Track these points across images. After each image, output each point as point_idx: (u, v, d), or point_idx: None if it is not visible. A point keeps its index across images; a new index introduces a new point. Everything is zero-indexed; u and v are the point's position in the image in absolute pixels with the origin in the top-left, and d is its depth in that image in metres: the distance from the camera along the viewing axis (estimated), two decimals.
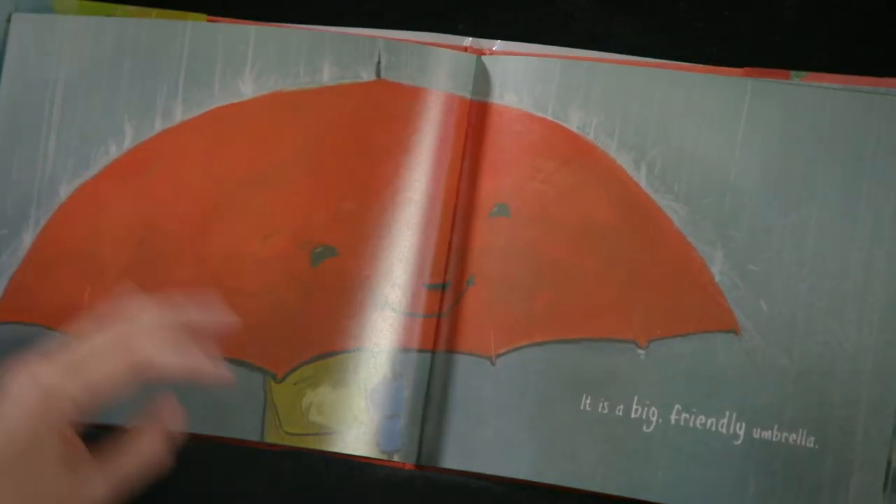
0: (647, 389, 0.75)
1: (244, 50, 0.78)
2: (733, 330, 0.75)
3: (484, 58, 0.78)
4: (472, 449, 0.76)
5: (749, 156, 0.76)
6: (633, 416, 0.75)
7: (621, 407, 0.75)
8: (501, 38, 0.80)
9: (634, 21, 0.80)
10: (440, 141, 0.77)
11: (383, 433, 0.76)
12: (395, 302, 0.76)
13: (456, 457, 0.76)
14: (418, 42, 0.78)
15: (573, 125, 0.77)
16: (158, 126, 0.78)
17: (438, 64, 0.77)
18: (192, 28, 0.79)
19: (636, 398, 0.75)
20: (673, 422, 0.75)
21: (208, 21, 0.80)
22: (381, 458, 0.76)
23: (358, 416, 0.76)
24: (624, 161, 0.77)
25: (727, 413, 0.75)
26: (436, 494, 0.76)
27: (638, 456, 0.75)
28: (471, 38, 0.80)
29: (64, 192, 0.79)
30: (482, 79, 0.78)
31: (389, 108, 0.77)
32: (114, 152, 0.79)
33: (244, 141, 0.78)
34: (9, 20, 0.80)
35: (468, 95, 0.78)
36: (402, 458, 0.76)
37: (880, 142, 0.75)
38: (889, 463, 0.74)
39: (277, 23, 0.80)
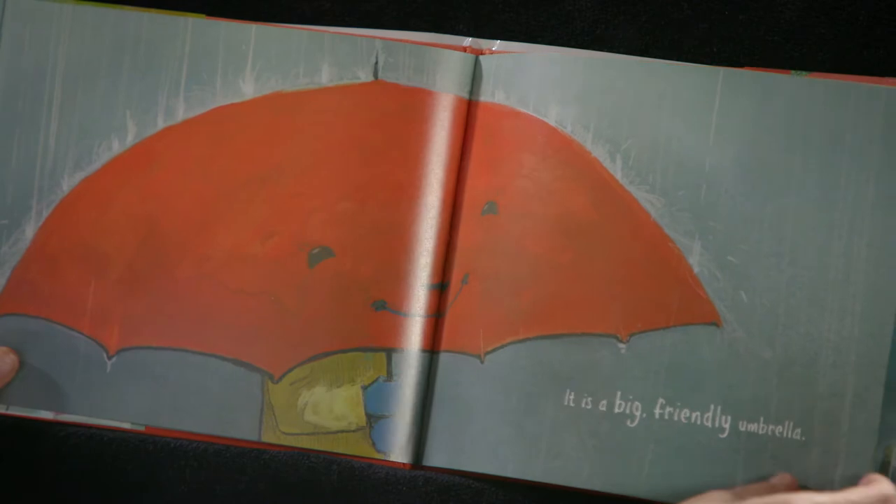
0: (630, 384, 0.73)
1: (245, 49, 0.77)
2: (714, 322, 0.73)
3: (482, 58, 0.77)
4: (463, 448, 0.74)
5: (723, 146, 0.74)
6: (616, 410, 0.73)
7: (605, 402, 0.73)
8: (501, 39, 0.78)
9: (635, 21, 0.79)
10: (438, 141, 0.76)
11: (378, 433, 0.75)
12: (393, 302, 0.75)
13: (450, 456, 0.75)
14: (417, 42, 0.77)
15: (552, 120, 0.76)
16: (161, 123, 0.78)
17: (436, 64, 0.76)
18: (193, 25, 0.78)
19: (619, 393, 0.73)
20: (657, 416, 0.73)
21: (208, 20, 0.79)
22: (376, 457, 0.75)
23: (352, 417, 0.75)
24: (599, 154, 0.75)
25: (712, 406, 0.72)
26: (436, 494, 0.75)
27: (623, 451, 0.73)
28: (470, 39, 0.78)
29: (66, 185, 0.78)
30: (481, 79, 0.77)
31: (387, 108, 0.76)
32: (116, 148, 0.78)
33: (245, 141, 0.77)
34: (4, 6, 0.79)
35: (466, 95, 0.77)
36: (398, 458, 0.75)
37: (857, 130, 0.73)
38: (888, 462, 0.72)
39: (276, 23, 0.79)
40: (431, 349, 0.76)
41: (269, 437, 0.76)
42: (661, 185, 0.74)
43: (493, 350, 0.75)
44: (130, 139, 0.78)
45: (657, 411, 0.73)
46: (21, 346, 0.77)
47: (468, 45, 0.79)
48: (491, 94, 0.77)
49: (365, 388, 0.76)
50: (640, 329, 0.74)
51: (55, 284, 0.78)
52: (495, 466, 0.74)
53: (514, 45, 0.79)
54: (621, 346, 0.74)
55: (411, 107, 0.76)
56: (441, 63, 0.77)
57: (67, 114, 0.78)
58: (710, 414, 0.73)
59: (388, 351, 0.76)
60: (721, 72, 0.74)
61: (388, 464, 0.76)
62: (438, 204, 0.76)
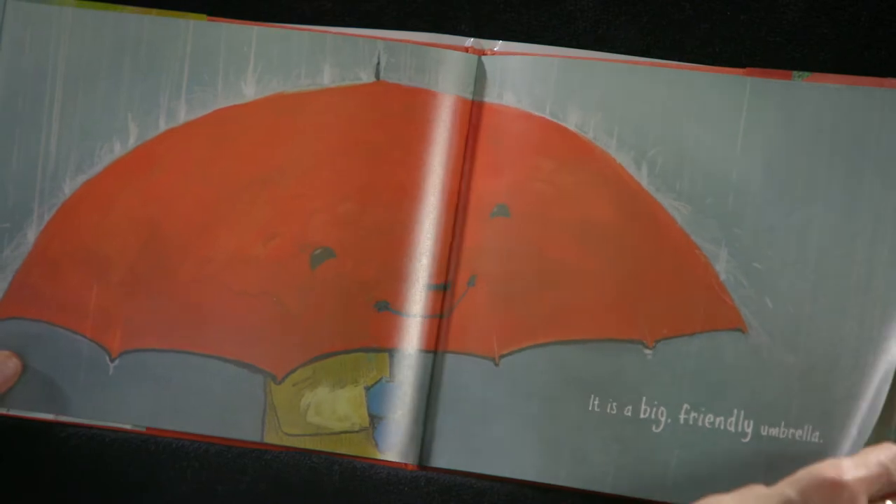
0: (656, 389, 0.73)
1: (247, 51, 0.77)
2: (740, 328, 0.73)
3: (484, 58, 0.77)
4: (476, 450, 0.74)
5: (751, 154, 0.74)
6: (642, 416, 0.73)
7: (630, 408, 0.73)
8: (503, 39, 0.78)
9: (637, 22, 0.78)
10: (441, 142, 0.76)
11: (381, 434, 0.75)
12: (396, 303, 0.75)
13: (459, 457, 0.75)
14: (419, 43, 0.77)
15: (571, 124, 0.76)
16: (163, 125, 0.77)
17: (438, 65, 0.76)
18: (195, 27, 0.77)
19: (644, 398, 0.73)
20: (682, 421, 0.73)
21: (209, 21, 0.78)
22: (378, 458, 0.75)
23: (355, 417, 0.75)
24: (624, 160, 0.75)
25: (735, 411, 0.73)
26: (437, 495, 0.75)
27: (647, 456, 0.73)
28: (472, 39, 0.78)
29: (68, 188, 0.77)
30: (483, 79, 0.77)
31: (389, 109, 0.76)
32: (118, 150, 0.77)
33: (247, 143, 0.77)
34: (4, 8, 0.78)
35: (469, 96, 0.76)
36: (400, 459, 0.75)
37: (881, 138, 0.73)
38: None
39: (277, 23, 0.79)
40: (435, 350, 0.76)
41: (271, 439, 0.76)
42: (688, 192, 0.75)
43: (510, 353, 0.75)
44: (132, 141, 0.78)
45: (682, 417, 0.73)
46: (24, 349, 0.77)
47: (470, 45, 0.78)
48: (498, 96, 0.77)
49: (368, 388, 0.76)
50: (666, 335, 0.74)
51: (57, 288, 0.77)
52: (514, 469, 0.75)
53: (515, 45, 0.78)
54: (647, 352, 0.74)
55: (413, 107, 0.76)
56: (443, 63, 0.77)
57: (68, 116, 0.78)
58: (733, 419, 0.73)
59: (391, 351, 0.76)
60: (749, 81, 0.75)
61: (390, 464, 0.76)
62: (441, 205, 0.76)
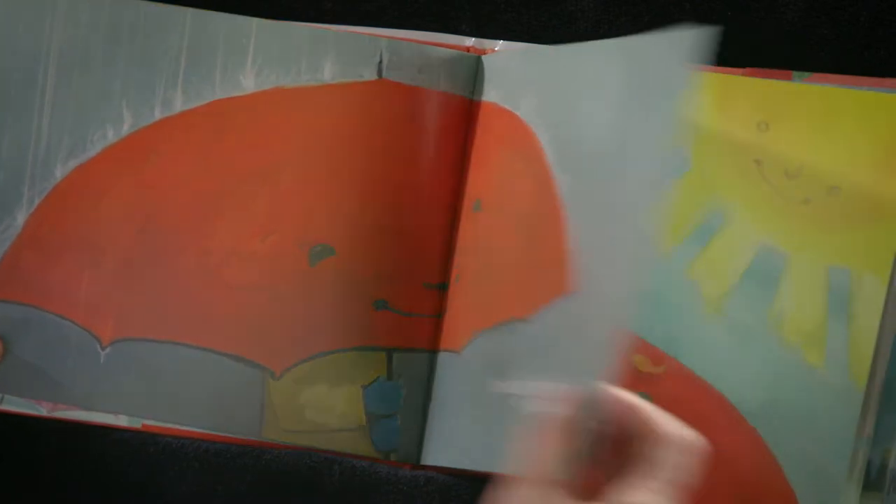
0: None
1: (245, 43, 0.76)
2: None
3: (484, 58, 0.77)
4: (461, 447, 0.74)
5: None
6: None
7: None
8: (504, 39, 0.78)
9: (637, 22, 0.79)
10: (440, 141, 0.76)
11: (378, 432, 0.75)
12: (394, 302, 0.76)
13: (449, 455, 0.75)
14: (421, 42, 0.77)
15: (521, 112, 0.75)
16: (158, 114, 0.77)
17: (439, 64, 0.76)
18: (193, 16, 0.77)
19: None
20: None
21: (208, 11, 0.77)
22: (375, 456, 0.75)
23: (352, 415, 0.76)
24: (544, 142, 0.73)
25: None
26: (436, 494, 0.75)
27: None
28: (473, 39, 0.78)
29: (59, 172, 0.77)
30: (483, 79, 0.77)
31: (390, 107, 0.76)
32: (112, 137, 0.77)
33: (245, 136, 0.76)
34: None
35: (469, 95, 0.77)
36: (397, 458, 0.75)
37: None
38: (885, 465, 0.72)
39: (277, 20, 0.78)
40: (432, 349, 0.76)
41: (269, 435, 0.76)
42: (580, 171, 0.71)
43: (468, 344, 0.75)
44: (126, 129, 0.77)
45: None
46: (10, 333, 0.77)
47: (471, 45, 0.78)
48: (488, 94, 0.77)
49: (365, 387, 0.76)
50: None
51: (47, 273, 0.77)
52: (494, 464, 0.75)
53: (515, 45, 0.78)
54: None
55: (415, 106, 0.76)
56: (445, 63, 0.77)
57: (62, 101, 0.77)
58: None
59: (389, 350, 0.76)
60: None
61: (389, 463, 0.76)
62: (440, 204, 0.76)
